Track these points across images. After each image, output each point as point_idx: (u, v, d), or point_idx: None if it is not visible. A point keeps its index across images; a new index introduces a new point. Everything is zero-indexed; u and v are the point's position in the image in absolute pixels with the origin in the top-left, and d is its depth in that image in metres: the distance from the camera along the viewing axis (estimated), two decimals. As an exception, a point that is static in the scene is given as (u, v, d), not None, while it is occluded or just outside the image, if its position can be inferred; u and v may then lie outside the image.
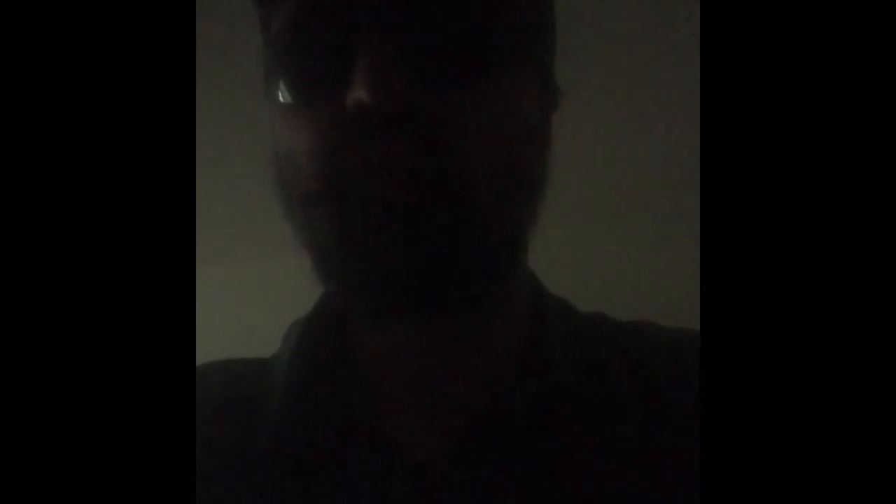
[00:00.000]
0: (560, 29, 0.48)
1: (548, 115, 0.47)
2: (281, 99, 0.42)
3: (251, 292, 2.38)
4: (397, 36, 0.39)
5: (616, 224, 2.19)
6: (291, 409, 0.46)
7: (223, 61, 1.35)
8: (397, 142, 0.38)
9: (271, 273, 1.61)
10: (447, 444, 0.44)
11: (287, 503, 0.44)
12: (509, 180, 0.41)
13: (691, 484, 0.37)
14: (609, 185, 2.05)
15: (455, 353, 0.45)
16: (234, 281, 2.42)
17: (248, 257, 2.33)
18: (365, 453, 0.44)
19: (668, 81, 1.59)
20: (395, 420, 0.45)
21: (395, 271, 0.39)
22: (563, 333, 0.47)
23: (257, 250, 2.17)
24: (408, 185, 0.38)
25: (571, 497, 0.42)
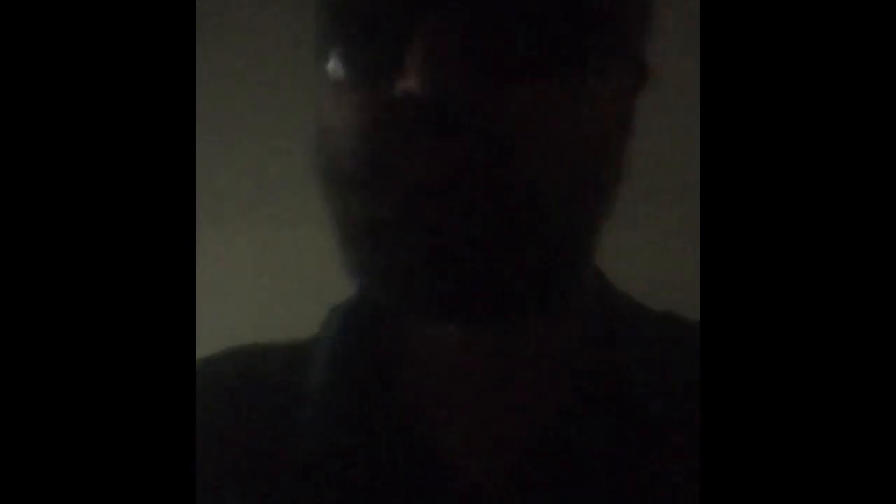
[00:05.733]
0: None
1: (633, 98, 0.42)
2: (330, 71, 0.38)
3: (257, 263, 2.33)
4: (462, 18, 0.34)
5: (614, 223, 2.18)
6: (327, 418, 0.41)
7: (223, 62, 1.35)
8: (449, 139, 0.34)
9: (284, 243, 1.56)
10: (507, 462, 0.39)
11: None
12: (581, 180, 0.37)
13: None
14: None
15: (515, 358, 0.41)
16: (238, 250, 2.37)
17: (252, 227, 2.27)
18: (413, 472, 0.40)
19: (668, 81, 1.59)
20: (446, 434, 0.40)
21: (435, 267, 0.35)
22: (635, 337, 0.43)
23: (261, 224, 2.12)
24: (457, 183, 0.34)
25: None
